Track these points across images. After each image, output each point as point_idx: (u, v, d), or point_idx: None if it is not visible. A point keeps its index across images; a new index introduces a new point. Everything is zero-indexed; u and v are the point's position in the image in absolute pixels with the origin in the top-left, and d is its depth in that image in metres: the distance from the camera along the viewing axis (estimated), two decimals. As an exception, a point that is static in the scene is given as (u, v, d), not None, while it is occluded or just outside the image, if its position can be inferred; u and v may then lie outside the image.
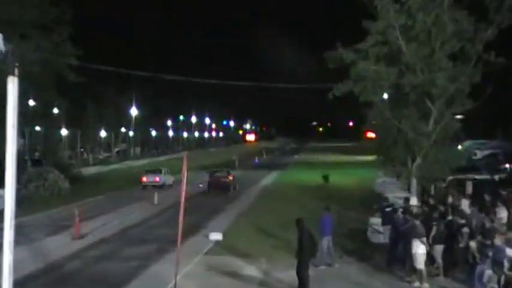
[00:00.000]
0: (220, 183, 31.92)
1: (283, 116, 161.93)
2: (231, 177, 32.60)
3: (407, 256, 11.70)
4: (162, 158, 69.86)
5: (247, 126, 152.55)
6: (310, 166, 50.05)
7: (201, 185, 33.17)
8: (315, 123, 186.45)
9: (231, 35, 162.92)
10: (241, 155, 68.93)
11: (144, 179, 34.28)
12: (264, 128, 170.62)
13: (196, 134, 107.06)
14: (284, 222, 17.52)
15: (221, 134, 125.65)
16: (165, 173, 34.80)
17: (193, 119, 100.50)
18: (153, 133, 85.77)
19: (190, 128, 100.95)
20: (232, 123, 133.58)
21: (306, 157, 70.15)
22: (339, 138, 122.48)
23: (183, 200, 10.59)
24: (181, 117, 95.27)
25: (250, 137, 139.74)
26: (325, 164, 51.57)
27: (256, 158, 62.68)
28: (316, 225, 13.10)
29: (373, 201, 21.08)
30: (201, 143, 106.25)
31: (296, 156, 73.17)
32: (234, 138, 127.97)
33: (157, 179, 34.00)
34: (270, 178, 40.82)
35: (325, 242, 13.22)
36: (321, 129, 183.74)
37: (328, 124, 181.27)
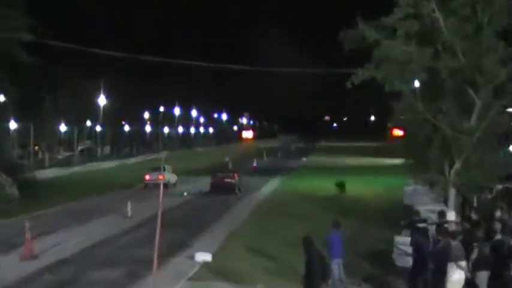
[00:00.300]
0: (223, 184, 35.47)
1: (288, 109, 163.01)
2: (235, 178, 36.39)
3: (439, 285, 11.66)
4: (136, 159, 70.78)
5: (244, 120, 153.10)
6: (321, 171, 50.56)
7: (185, 194, 34.20)
8: (327, 117, 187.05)
9: (230, 32, 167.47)
10: (236, 157, 69.87)
11: (147, 177, 39.40)
12: (264, 124, 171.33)
13: (180, 129, 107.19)
14: (288, 241, 17.80)
15: (211, 130, 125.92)
16: (168, 171, 39.50)
17: (177, 111, 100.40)
18: (126, 128, 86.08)
19: (172, 122, 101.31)
20: (225, 117, 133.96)
21: (316, 160, 71.45)
22: (358, 136, 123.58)
23: (160, 212, 10.71)
24: (161, 109, 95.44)
25: (247, 134, 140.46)
26: (340, 169, 52.24)
27: (255, 161, 63.39)
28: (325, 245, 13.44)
29: (401, 216, 21.12)
30: (186, 140, 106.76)
31: (304, 159, 74.24)
32: (227, 136, 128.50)
33: (161, 176, 35.62)
34: (271, 186, 41.29)
35: (335, 266, 13.34)
36: (334, 125, 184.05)
37: (344, 119, 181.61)
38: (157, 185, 36.44)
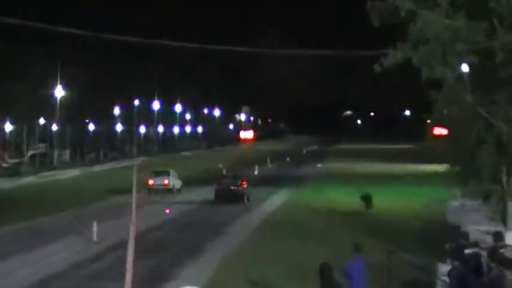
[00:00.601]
0: (229, 192, 38.86)
1: (298, 102, 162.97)
2: (244, 185, 40.09)
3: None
4: (102, 167, 70.71)
5: (242, 117, 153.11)
6: (341, 181, 50.86)
7: (168, 210, 34.87)
8: (348, 112, 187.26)
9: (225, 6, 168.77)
10: (232, 163, 70.93)
11: (151, 181, 44.77)
12: (268, 122, 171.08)
13: (161, 129, 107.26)
14: (299, 269, 17.98)
15: (200, 130, 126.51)
16: (173, 176, 46.28)
17: (156, 106, 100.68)
18: (91, 127, 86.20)
19: (151, 119, 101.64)
20: (217, 113, 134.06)
21: (334, 166, 71.57)
22: (389, 136, 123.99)
23: (132, 235, 11.34)
24: (136, 103, 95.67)
25: (247, 135, 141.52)
26: (366, 178, 52.50)
27: (256, 168, 63.52)
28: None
29: (445, 238, 20.67)
30: (169, 143, 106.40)
31: (319, 165, 74.87)
32: (220, 136, 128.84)
33: (166, 181, 45.19)
34: (277, 199, 41.67)
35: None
36: (358, 122, 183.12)
37: (371, 114, 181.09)
38: (163, 190, 44.46)
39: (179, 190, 45.83)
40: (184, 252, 23.69)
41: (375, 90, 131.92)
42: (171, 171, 46.76)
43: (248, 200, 39.23)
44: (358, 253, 14.09)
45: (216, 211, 35.72)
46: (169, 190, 45.16)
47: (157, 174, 45.85)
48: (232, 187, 39.49)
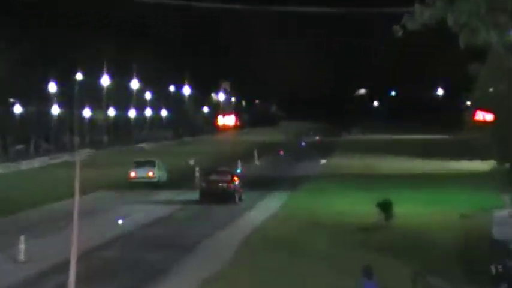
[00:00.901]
0: (218, 191, 42.32)
1: (294, 79, 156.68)
2: (235, 181, 43.41)
3: None
4: (32, 164, 70.06)
5: (221, 97, 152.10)
6: (352, 182, 50.78)
7: (120, 221, 35.13)
8: (362, 91, 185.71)
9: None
10: (207, 159, 70.19)
11: (133, 174, 49.40)
12: (255, 103, 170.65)
13: (111, 112, 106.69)
14: None
15: (165, 114, 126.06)
16: (159, 167, 50.90)
17: (105, 81, 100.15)
18: (18, 109, 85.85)
19: (99, 100, 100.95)
20: (188, 92, 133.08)
21: (343, 163, 71.77)
22: (415, 123, 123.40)
23: (73, 256, 10.35)
24: (78, 78, 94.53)
25: (227, 121, 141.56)
26: (386, 179, 52.59)
27: (239, 165, 63.61)
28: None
29: (490, 259, 21.20)
30: (123, 131, 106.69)
31: (323, 161, 74.95)
32: (191, 122, 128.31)
33: (151, 173, 49.48)
34: (268, 207, 41.56)
35: None
36: (375, 104, 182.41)
37: (392, 94, 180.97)
38: (148, 184, 48.95)
39: (165, 184, 50.76)
40: (141, 283, 23.74)
41: (396, 62, 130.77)
42: (157, 162, 51.76)
43: (240, 199, 42.83)
44: (369, 278, 14.36)
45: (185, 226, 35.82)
46: (155, 184, 49.56)
47: (139, 165, 50.58)
48: (221, 184, 42.80)
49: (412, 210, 36.53)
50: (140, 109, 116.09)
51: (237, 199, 42.51)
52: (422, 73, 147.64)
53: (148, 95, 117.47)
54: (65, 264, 18.49)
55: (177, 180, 53.25)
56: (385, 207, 34.16)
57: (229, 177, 43.63)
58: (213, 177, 43.90)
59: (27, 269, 24.80)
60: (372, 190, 41.08)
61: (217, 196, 41.94)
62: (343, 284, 17.68)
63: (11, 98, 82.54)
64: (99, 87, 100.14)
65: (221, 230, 34.35)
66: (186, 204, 42.99)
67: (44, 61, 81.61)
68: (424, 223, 33.86)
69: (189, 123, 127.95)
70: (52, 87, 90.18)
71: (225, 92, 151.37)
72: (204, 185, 43.38)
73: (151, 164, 51.21)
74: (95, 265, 24.42)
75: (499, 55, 18.12)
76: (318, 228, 33.42)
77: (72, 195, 18.62)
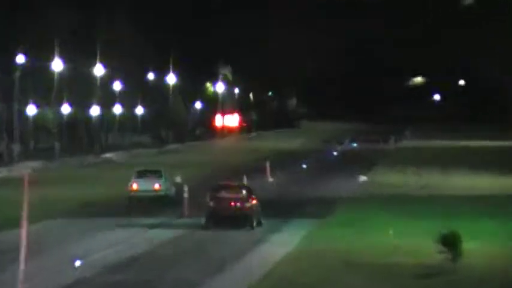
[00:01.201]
0: (230, 212, 40.11)
1: (319, 65, 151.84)
2: (252, 201, 40.68)
3: None
4: None
5: (219, 88, 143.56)
6: (404, 206, 49.71)
7: (78, 263, 33.01)
8: (419, 80, 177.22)
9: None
10: (200, 173, 72.27)
11: (135, 186, 48.99)
12: (265, 97, 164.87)
13: (66, 109, 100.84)
14: None
15: (141, 112, 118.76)
16: (166, 178, 50.76)
17: (57, 66, 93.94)
18: None
19: (48, 92, 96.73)
20: (172, 80, 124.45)
21: (391, 180, 70.14)
22: (492, 122, 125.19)
23: None
24: (20, 61, 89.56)
25: (229, 121, 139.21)
26: (452, 201, 52.08)
27: (245, 181, 59.13)
28: None
29: None
30: (82, 136, 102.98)
31: (363, 178, 71.98)
32: (179, 123, 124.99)
33: (157, 185, 49.38)
34: (282, 244, 38.24)
35: None
36: (437, 97, 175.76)
37: (460, 83, 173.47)
38: (153, 200, 48.94)
39: (172, 199, 49.75)
40: None
41: (465, 42, 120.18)
42: (163, 171, 51.19)
43: (259, 224, 40.81)
44: None
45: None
46: (161, 198, 48.97)
47: (141, 175, 49.96)
48: (234, 204, 40.48)
49: (491, 243, 34.75)
50: (106, 105, 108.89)
51: (254, 223, 40.22)
52: (500, 57, 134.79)
53: (117, 86, 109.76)
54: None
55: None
56: (451, 241, 31.73)
57: (244, 194, 41.19)
58: (223, 193, 41.71)
59: None
60: (432, 218, 41.04)
61: (229, 219, 40.10)
62: None
63: None
64: (49, 75, 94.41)
65: (230, 266, 32.14)
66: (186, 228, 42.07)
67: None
68: (508, 263, 31.32)
69: (175, 124, 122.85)
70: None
71: (225, 81, 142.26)
72: (211, 204, 40.48)
73: (157, 174, 50.97)
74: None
75: None
76: (357, 273, 30.29)
77: (14, 223, 22.19)
